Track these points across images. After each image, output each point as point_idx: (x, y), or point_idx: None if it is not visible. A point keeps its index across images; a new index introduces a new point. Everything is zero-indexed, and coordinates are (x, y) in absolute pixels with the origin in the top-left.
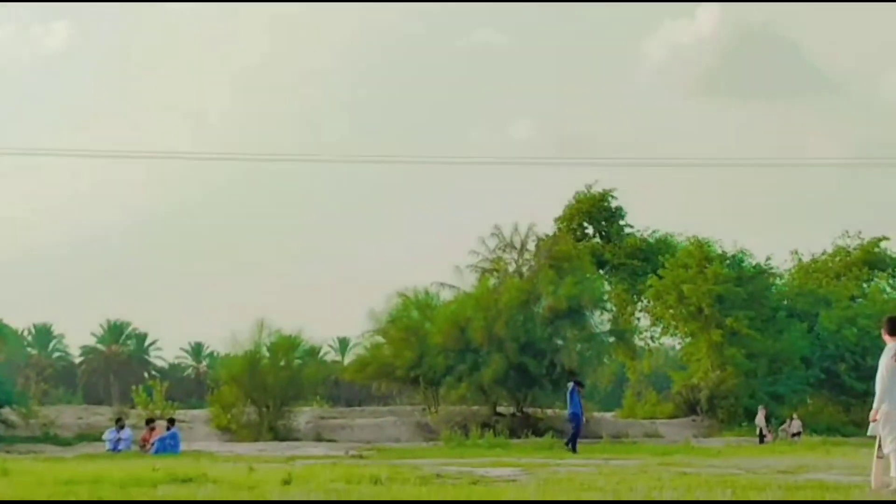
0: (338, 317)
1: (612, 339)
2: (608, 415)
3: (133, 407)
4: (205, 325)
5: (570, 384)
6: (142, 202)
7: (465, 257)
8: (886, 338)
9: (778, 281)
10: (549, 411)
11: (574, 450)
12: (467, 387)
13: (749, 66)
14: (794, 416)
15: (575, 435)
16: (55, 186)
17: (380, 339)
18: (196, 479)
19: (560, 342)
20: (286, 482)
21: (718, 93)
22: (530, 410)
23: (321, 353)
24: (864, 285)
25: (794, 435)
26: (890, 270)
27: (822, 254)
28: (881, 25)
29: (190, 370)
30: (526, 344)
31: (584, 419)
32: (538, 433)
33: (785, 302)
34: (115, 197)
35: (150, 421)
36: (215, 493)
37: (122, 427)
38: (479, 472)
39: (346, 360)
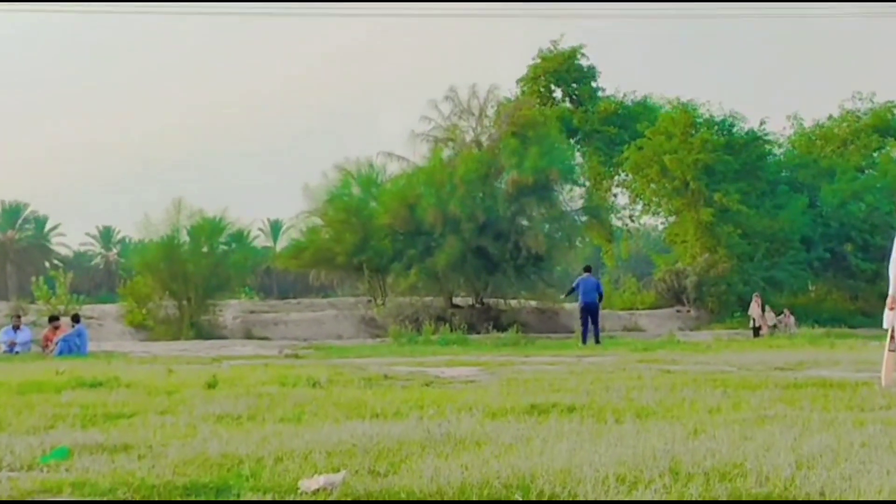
0: (268, 195)
1: (584, 219)
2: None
3: (33, 302)
4: (114, 207)
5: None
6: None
7: (415, 124)
8: None
9: (775, 150)
10: (513, 302)
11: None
12: (418, 274)
13: None
14: (786, 311)
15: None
16: None
17: (317, 220)
18: (106, 383)
19: (525, 222)
20: (210, 386)
21: None
22: (491, 301)
23: (250, 238)
24: (874, 154)
25: (772, 327)
26: None
27: (828, 119)
28: None
29: (98, 259)
30: (486, 224)
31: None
32: (500, 327)
33: (783, 174)
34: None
35: (52, 318)
36: (129, 398)
37: (18, 326)
38: (433, 373)
39: (279, 246)
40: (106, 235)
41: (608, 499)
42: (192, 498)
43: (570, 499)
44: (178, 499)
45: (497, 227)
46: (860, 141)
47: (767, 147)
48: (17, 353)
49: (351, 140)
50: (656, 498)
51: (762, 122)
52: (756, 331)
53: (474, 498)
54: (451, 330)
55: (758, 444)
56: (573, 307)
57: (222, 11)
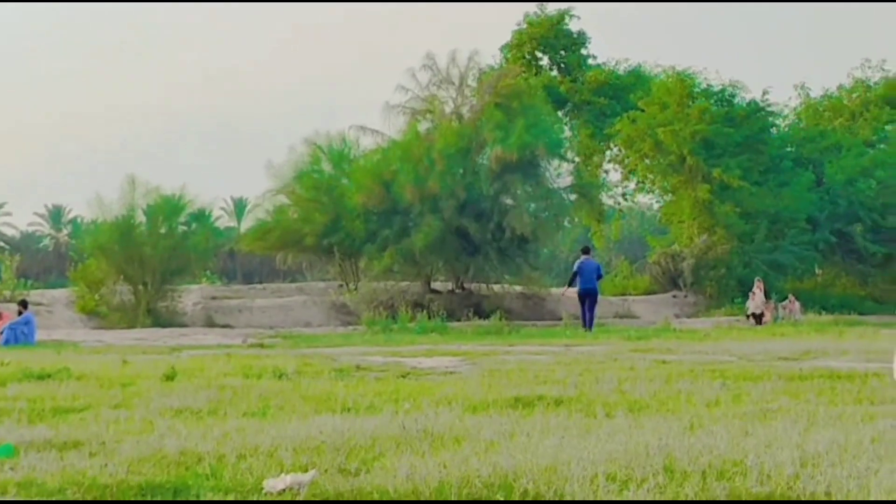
0: (230, 172)
1: (573, 197)
2: (569, 290)
3: None
4: (64, 184)
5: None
6: None
7: (389, 95)
8: None
9: (779, 122)
10: (496, 287)
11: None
12: (393, 257)
13: None
14: (790, 296)
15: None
16: None
17: (284, 199)
18: (55, 374)
19: (509, 201)
20: (169, 378)
21: None
22: (472, 286)
23: (211, 218)
24: (886, 128)
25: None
26: None
27: (838, 88)
28: None
29: (47, 240)
30: (467, 203)
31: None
32: (482, 314)
33: (788, 148)
34: None
35: None
36: (80, 390)
37: None
38: (410, 363)
39: (244, 227)
40: (56, 215)
41: (597, 499)
42: (148, 498)
43: (557, 499)
44: (133, 499)
45: (479, 206)
46: (870, 113)
47: (771, 119)
48: None
49: (321, 115)
50: (649, 498)
51: (765, 92)
52: (758, 318)
53: (453, 498)
54: (429, 317)
55: (759, 440)
56: (560, 292)
57: None
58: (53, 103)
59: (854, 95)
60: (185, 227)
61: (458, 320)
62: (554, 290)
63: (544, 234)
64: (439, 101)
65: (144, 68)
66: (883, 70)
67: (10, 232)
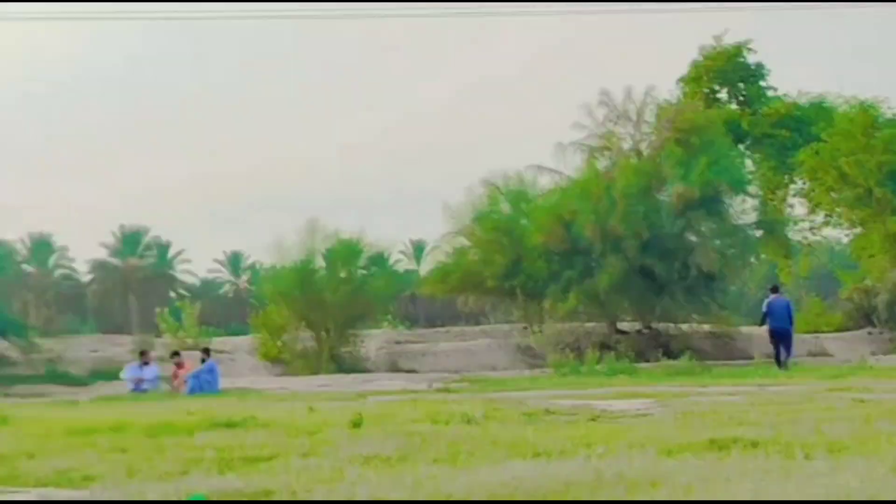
0: (409, 215)
1: (759, 233)
2: (759, 329)
3: (158, 335)
4: (243, 230)
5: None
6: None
7: (566, 133)
8: None
9: None
10: (684, 326)
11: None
12: (578, 298)
13: None
14: None
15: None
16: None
17: (464, 241)
18: (242, 422)
19: (694, 238)
20: (356, 424)
21: None
22: (660, 326)
23: (391, 261)
24: None
25: None
26: None
27: None
28: None
29: (227, 287)
30: (650, 242)
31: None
32: (671, 354)
33: None
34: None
35: (175, 354)
36: (267, 439)
37: (146, 362)
38: (599, 406)
39: (424, 270)
40: (235, 261)
41: None
42: None
43: None
44: None
45: (663, 244)
46: None
47: None
48: (144, 390)
49: (496, 151)
50: None
51: None
52: None
53: None
54: (617, 358)
55: None
56: (751, 331)
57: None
58: (237, 155)
59: None
60: (364, 272)
61: (647, 361)
62: (744, 329)
63: (731, 271)
64: (617, 138)
65: (324, 122)
66: None
67: (189, 279)
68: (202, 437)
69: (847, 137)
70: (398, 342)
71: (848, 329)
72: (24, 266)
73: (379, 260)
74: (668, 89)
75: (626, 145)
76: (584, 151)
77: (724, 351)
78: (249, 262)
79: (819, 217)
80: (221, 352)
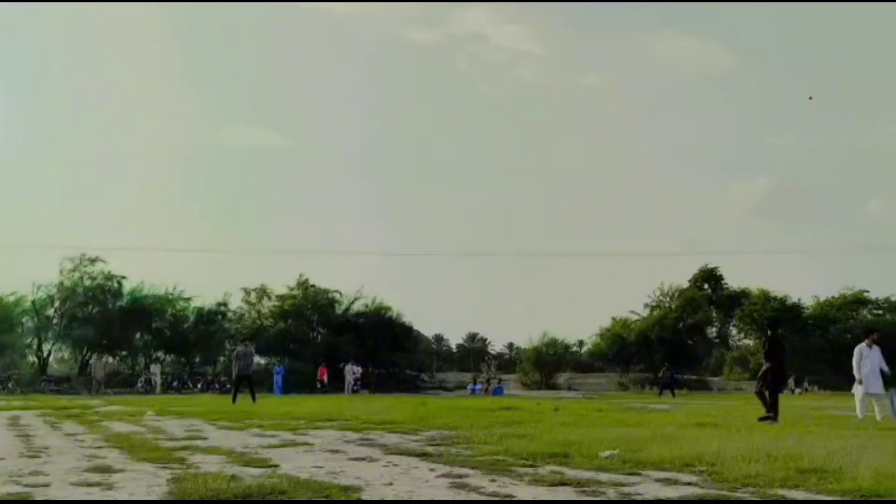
0: None
1: (717, 340)
2: (715, 379)
3: (482, 372)
4: (515, 331)
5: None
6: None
7: None
8: None
9: (805, 311)
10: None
11: None
12: (644, 364)
13: None
14: (805, 380)
15: None
16: None
17: None
18: (512, 407)
19: None
20: (556, 409)
21: None
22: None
23: (570, 347)
24: None
25: None
26: None
27: None
28: None
29: (507, 355)
30: None
31: None
32: (680, 388)
33: (811, 321)
34: None
35: (489, 379)
36: (521, 415)
37: (476, 382)
38: (651, 407)
39: None
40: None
41: None
42: None
43: None
44: None
45: None
46: None
47: None
48: None
49: None
50: None
51: None
52: None
53: None
54: None
55: None
56: None
57: None
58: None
59: None
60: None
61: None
62: None
63: None
64: None
65: None
66: (852, 289)
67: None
68: (497, 413)
69: (754, 304)
70: (571, 378)
71: None
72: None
73: (566, 346)
74: None
75: (667, 305)
76: (649, 307)
77: None
78: (516, 346)
79: (742, 335)
80: (505, 380)
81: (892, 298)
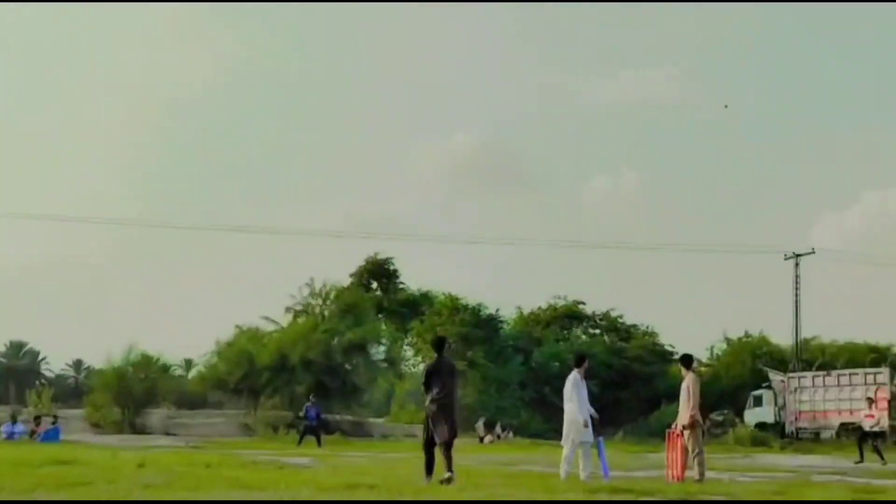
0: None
1: (385, 365)
2: (380, 420)
3: (26, 406)
4: (85, 343)
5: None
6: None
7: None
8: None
9: (505, 326)
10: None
11: None
12: (281, 397)
13: None
14: (498, 423)
15: None
16: None
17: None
18: (71, 461)
19: (349, 366)
20: (140, 465)
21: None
22: (327, 416)
23: (172, 369)
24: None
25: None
26: None
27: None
28: None
29: (71, 380)
30: (327, 367)
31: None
32: (330, 431)
33: (510, 342)
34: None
35: (37, 417)
36: (86, 472)
37: (15, 421)
38: (284, 461)
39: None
40: (77, 364)
41: None
42: None
43: None
44: None
45: (334, 369)
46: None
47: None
48: (15, 439)
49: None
50: None
51: (497, 310)
52: (481, 440)
53: None
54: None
55: None
56: (373, 421)
57: None
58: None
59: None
60: (155, 375)
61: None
62: (371, 420)
63: (368, 385)
64: (312, 306)
65: None
66: (565, 299)
67: (49, 374)
68: (46, 469)
69: (439, 314)
70: (171, 417)
71: None
72: None
73: (164, 368)
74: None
75: (317, 311)
76: (292, 313)
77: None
78: (86, 365)
79: (420, 358)
80: (63, 418)
81: (613, 314)
